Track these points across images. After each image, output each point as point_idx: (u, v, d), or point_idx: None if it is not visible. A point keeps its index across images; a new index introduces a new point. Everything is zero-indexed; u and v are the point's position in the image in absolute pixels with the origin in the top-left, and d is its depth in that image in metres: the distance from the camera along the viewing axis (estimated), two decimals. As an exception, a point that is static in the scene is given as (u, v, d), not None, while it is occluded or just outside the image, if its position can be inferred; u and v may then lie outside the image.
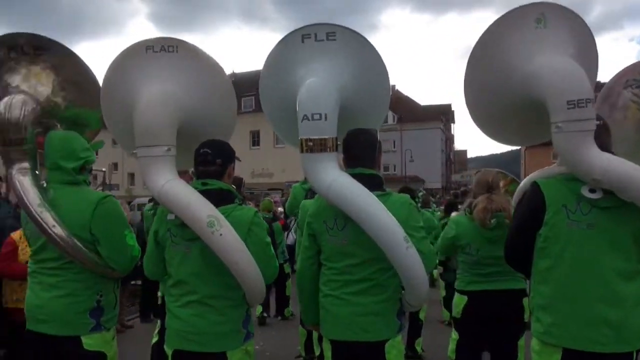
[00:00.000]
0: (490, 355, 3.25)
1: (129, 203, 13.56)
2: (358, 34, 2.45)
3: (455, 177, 55.72)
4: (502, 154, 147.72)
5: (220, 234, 2.13)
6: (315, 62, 2.41)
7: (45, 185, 2.48)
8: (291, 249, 7.45)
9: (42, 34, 2.70)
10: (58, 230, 2.32)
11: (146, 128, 2.33)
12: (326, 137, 2.26)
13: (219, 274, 2.22)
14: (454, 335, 3.38)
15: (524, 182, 3.17)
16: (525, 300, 3.12)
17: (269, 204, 7.74)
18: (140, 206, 11.43)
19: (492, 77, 2.47)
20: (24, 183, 2.45)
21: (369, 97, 2.53)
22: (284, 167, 30.81)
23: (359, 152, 2.38)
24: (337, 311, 2.32)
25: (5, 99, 2.52)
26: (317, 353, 3.91)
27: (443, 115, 49.64)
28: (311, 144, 2.26)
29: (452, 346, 3.36)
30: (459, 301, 3.28)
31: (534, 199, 2.18)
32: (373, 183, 2.31)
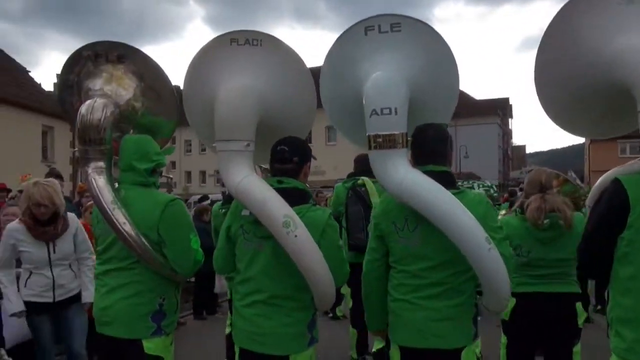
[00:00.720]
0: (545, 356, 3.08)
1: (185, 201, 13.99)
2: (425, 23, 2.33)
3: (514, 173, 53.62)
4: (564, 149, 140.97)
5: (295, 235, 2.10)
6: (381, 55, 2.29)
7: (117, 185, 2.58)
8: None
9: (105, 38, 2.89)
10: (128, 227, 2.38)
11: (226, 122, 2.31)
12: (396, 132, 2.14)
13: (290, 275, 2.18)
14: (503, 339, 3.21)
15: (602, 180, 2.94)
16: (579, 305, 3.00)
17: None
18: (196, 203, 11.77)
19: (567, 62, 2.27)
20: (99, 181, 2.54)
21: (438, 89, 2.40)
22: (335, 165, 30.82)
23: (429, 148, 2.26)
24: (409, 316, 2.20)
25: (89, 101, 2.64)
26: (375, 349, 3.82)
27: (500, 109, 47.97)
28: (380, 140, 2.14)
29: (502, 351, 3.19)
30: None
31: (616, 198, 1.95)
32: (445, 181, 2.17)
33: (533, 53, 2.42)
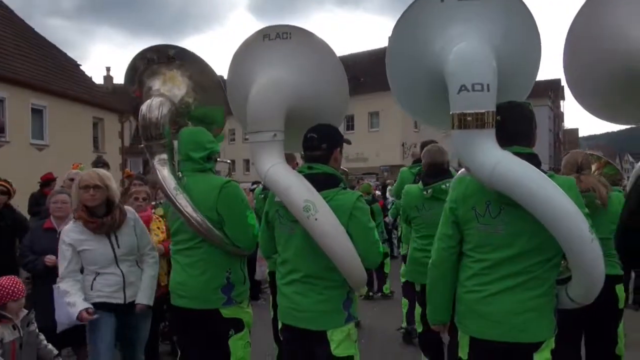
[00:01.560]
0: (587, 339, 3.16)
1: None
2: None
3: (566, 157, 51.41)
4: (619, 132, 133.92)
5: (316, 219, 2.17)
6: (462, 25, 2.12)
7: (180, 174, 2.87)
8: (387, 228, 8.70)
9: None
10: (190, 210, 2.66)
11: (253, 115, 2.44)
12: (487, 110, 1.98)
13: (319, 255, 2.26)
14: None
15: None
16: (619, 288, 3.06)
17: (368, 187, 8.28)
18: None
19: (597, 49, 2.20)
20: (163, 172, 2.86)
21: (521, 62, 2.24)
22: (377, 152, 30.47)
23: (515, 128, 2.10)
24: (487, 309, 2.08)
25: (147, 102, 2.94)
26: (420, 330, 3.88)
27: (552, 91, 45.95)
28: (470, 118, 1.97)
29: None
30: None
31: None
32: (533, 164, 2.03)
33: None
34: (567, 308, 2.22)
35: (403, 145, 30.00)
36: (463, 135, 2.01)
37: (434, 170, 3.71)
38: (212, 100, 3.12)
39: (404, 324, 5.23)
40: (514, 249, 2.04)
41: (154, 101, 2.92)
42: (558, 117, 52.30)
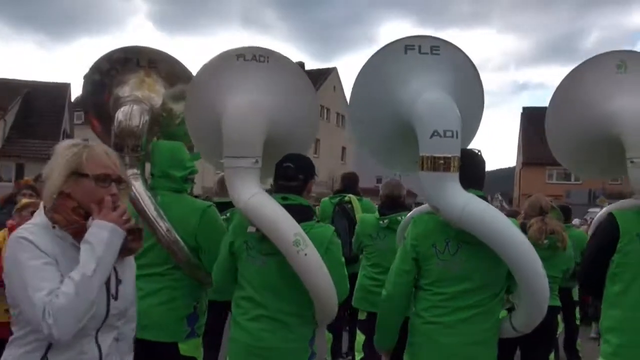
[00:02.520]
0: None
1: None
2: (459, 48, 2.43)
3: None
4: (491, 172, 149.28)
5: (305, 254, 2.11)
6: (427, 76, 2.35)
7: (151, 191, 2.57)
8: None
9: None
10: (173, 235, 2.41)
11: (235, 138, 2.31)
12: (454, 155, 2.18)
13: (294, 292, 2.22)
14: None
15: (600, 214, 3.36)
16: (559, 317, 3.60)
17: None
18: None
19: (574, 117, 2.56)
20: (138, 188, 2.51)
21: (470, 113, 2.48)
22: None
23: (473, 173, 2.32)
24: (443, 340, 2.23)
25: (125, 108, 2.63)
26: (359, 359, 3.90)
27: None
28: (441, 162, 2.16)
29: None
30: None
31: (610, 228, 2.33)
32: None
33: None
34: (508, 337, 2.46)
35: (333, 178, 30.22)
36: (431, 176, 2.18)
37: (391, 203, 3.92)
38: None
39: (329, 358, 5.04)
40: (470, 284, 2.23)
41: (134, 108, 2.64)
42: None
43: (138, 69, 2.76)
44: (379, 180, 46.06)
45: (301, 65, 40.24)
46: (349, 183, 5.04)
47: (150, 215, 2.44)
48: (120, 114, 2.61)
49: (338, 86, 40.23)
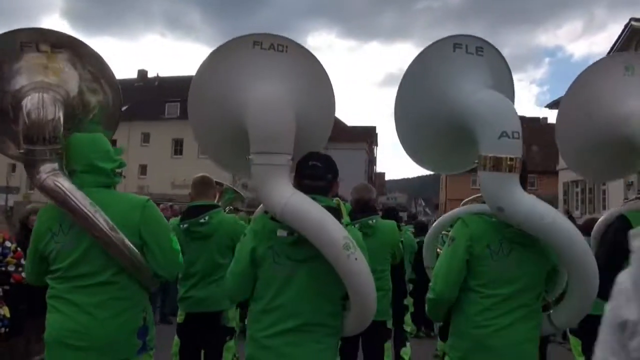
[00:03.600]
0: None
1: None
2: (499, 52, 2.49)
3: (381, 199, 56.95)
4: (414, 179, 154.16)
5: (356, 258, 2.02)
6: (480, 76, 2.37)
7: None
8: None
9: None
10: (118, 233, 2.18)
11: (269, 133, 2.14)
12: (518, 156, 2.20)
13: (325, 300, 2.14)
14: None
15: (607, 215, 3.28)
16: None
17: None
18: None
19: (585, 120, 2.60)
20: (65, 184, 2.22)
21: None
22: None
23: (525, 176, 2.33)
24: (495, 343, 2.23)
25: (34, 95, 2.29)
26: None
27: (368, 137, 50.60)
28: (509, 162, 2.16)
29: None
30: None
31: (622, 231, 2.24)
32: None
33: (394, 89, 2.60)
34: (546, 334, 2.58)
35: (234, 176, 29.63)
36: (495, 177, 2.18)
37: (361, 206, 3.83)
38: (105, 96, 2.60)
39: None
40: (519, 284, 2.26)
41: (46, 96, 2.29)
42: (371, 161, 57.83)
43: (38, 54, 2.39)
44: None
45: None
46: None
47: (87, 213, 2.15)
48: (28, 104, 2.26)
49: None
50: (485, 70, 2.39)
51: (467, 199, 3.80)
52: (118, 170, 2.38)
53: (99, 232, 2.15)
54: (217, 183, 4.00)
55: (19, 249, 4.35)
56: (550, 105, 23.15)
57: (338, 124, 48.30)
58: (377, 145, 59.87)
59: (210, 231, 3.43)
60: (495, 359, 2.23)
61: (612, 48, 18.77)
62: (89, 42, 2.43)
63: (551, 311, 2.45)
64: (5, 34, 2.36)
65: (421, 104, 2.45)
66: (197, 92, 2.35)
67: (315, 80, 2.39)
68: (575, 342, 4.15)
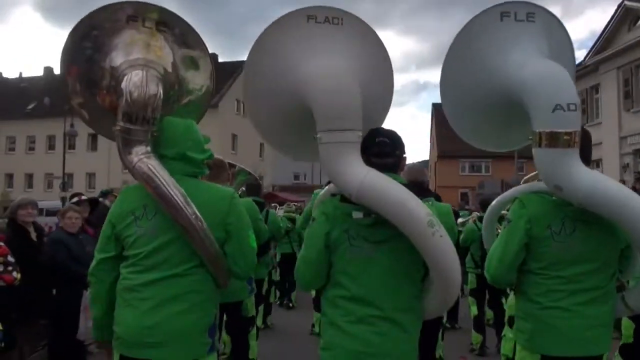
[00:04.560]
0: None
1: (5, 208, 11.03)
2: (553, 14, 2.37)
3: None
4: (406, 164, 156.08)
5: (441, 235, 1.93)
6: (532, 44, 2.25)
7: None
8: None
9: None
10: (204, 224, 2.10)
11: (339, 108, 2.04)
12: (576, 130, 2.06)
13: (407, 282, 2.05)
14: None
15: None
16: None
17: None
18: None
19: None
20: (159, 169, 2.15)
21: None
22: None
23: (589, 151, 2.25)
24: (563, 324, 2.14)
25: (138, 72, 2.22)
26: None
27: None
28: (566, 137, 2.04)
29: None
30: None
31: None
32: None
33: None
34: (620, 317, 2.49)
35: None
36: (551, 153, 2.07)
37: (417, 189, 3.54)
38: (199, 83, 2.50)
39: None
40: (588, 265, 2.15)
41: (149, 74, 2.22)
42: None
43: (142, 29, 2.32)
44: (296, 177, 46.19)
45: (214, 56, 39.00)
46: None
47: (178, 202, 2.07)
48: (131, 80, 2.18)
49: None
50: (538, 37, 2.27)
51: (527, 176, 3.49)
52: (208, 161, 2.33)
53: (186, 222, 2.07)
54: (229, 165, 3.86)
55: (1, 244, 3.76)
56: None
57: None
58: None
59: None
60: (563, 341, 2.13)
61: (605, 27, 18.72)
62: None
63: (624, 292, 2.34)
64: (113, 4, 2.29)
65: (468, 80, 2.35)
66: (252, 78, 2.25)
67: (373, 52, 2.30)
68: (627, 324, 3.69)
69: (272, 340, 6.22)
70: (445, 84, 2.39)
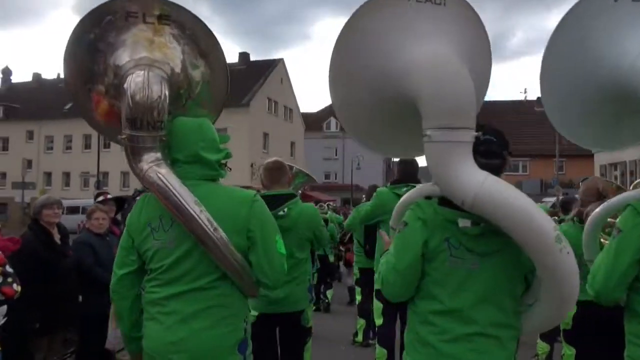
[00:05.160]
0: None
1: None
2: None
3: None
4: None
5: (568, 252, 1.78)
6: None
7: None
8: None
9: None
10: (220, 234, 2.00)
11: (455, 104, 1.84)
12: None
13: (510, 297, 1.93)
14: (568, 350, 3.35)
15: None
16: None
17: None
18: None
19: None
20: (169, 178, 2.04)
21: None
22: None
23: None
24: None
25: (139, 72, 2.09)
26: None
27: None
28: None
29: None
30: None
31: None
32: None
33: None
34: None
35: (252, 165, 29.44)
36: None
37: None
38: (211, 75, 2.34)
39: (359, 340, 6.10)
40: None
41: (151, 74, 2.10)
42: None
43: (144, 26, 2.20)
44: (327, 176, 46.04)
45: (246, 55, 38.99)
46: (411, 170, 4.32)
47: (191, 211, 1.98)
48: (137, 78, 2.07)
49: (285, 78, 39.15)
50: None
51: (637, 181, 3.25)
52: (223, 162, 2.20)
53: (201, 232, 1.99)
54: (288, 167, 3.67)
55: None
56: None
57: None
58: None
59: (290, 224, 3.21)
60: None
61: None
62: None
63: None
64: (110, 2, 2.17)
65: (573, 70, 2.14)
66: (340, 63, 2.04)
67: (477, 35, 2.11)
68: None
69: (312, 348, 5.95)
70: (545, 77, 2.19)
